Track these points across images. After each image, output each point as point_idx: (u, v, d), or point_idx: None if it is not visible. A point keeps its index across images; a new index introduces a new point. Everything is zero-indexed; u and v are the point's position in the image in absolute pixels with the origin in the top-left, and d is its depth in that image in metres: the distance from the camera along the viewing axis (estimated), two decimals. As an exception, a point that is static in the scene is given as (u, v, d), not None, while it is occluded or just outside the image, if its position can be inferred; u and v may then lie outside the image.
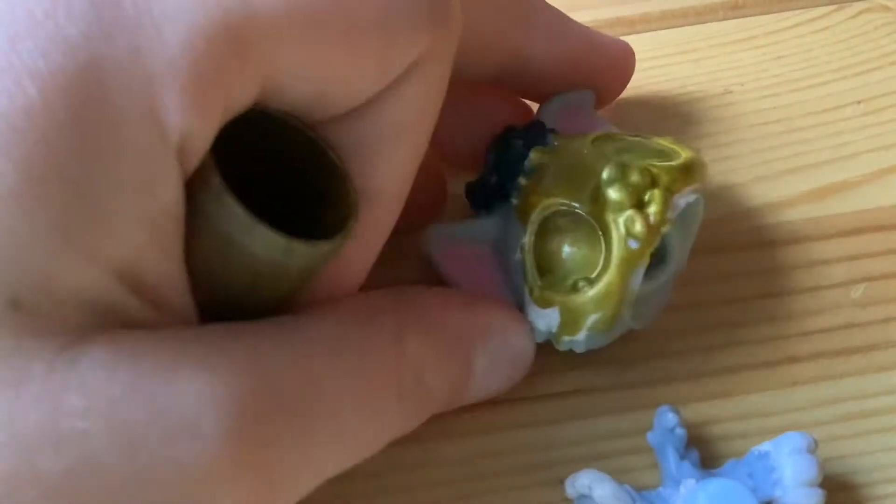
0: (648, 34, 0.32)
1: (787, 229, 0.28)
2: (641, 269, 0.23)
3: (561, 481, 0.24)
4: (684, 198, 0.24)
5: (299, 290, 0.21)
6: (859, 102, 0.30)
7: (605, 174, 0.23)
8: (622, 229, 0.23)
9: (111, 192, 0.16)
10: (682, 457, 0.23)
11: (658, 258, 0.24)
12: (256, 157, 0.20)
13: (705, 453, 0.24)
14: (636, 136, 0.26)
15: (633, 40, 0.28)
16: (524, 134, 0.26)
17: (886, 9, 0.32)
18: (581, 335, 0.24)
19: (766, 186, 0.29)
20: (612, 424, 0.25)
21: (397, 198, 0.21)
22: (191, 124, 0.17)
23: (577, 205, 0.24)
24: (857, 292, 0.27)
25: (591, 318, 0.23)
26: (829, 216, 0.28)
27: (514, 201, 0.25)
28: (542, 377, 0.26)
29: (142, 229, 0.17)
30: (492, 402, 0.25)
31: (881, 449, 0.25)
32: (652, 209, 0.23)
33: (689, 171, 0.24)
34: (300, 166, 0.21)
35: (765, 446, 0.23)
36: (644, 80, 0.30)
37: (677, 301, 0.27)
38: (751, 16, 0.32)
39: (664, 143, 0.25)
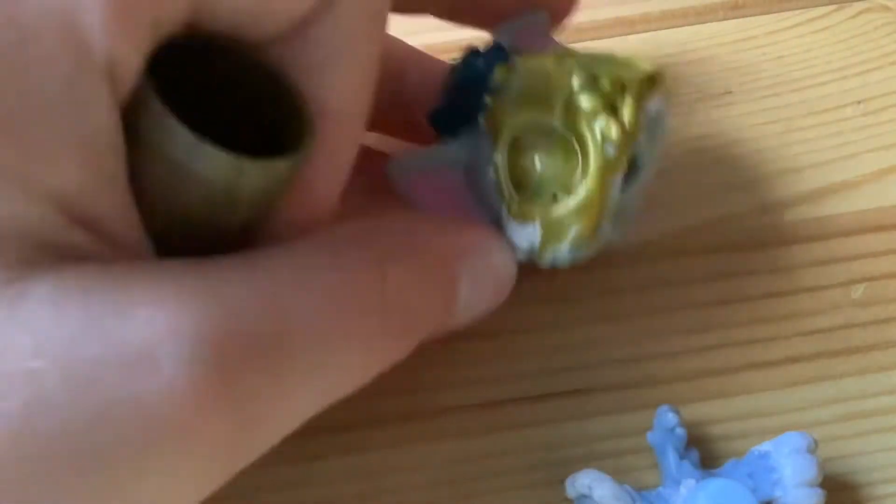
0: (648, 34, 0.32)
1: (787, 229, 0.28)
2: (619, 177, 0.23)
3: (561, 481, 0.24)
4: (653, 105, 0.24)
5: (260, 218, 0.20)
6: (859, 102, 0.30)
7: (575, 83, 0.23)
8: (598, 136, 0.23)
9: (36, 115, 0.16)
10: (682, 457, 0.23)
11: (630, 168, 0.24)
12: (205, 97, 0.19)
13: (705, 453, 0.24)
14: (595, 53, 0.26)
15: (633, 40, 0.28)
16: (485, 54, 0.25)
17: (886, 9, 0.32)
18: (564, 248, 0.23)
19: (767, 186, 0.29)
20: (612, 424, 0.25)
21: (356, 116, 0.21)
22: (116, 42, 0.16)
23: (548, 118, 0.23)
24: (857, 292, 0.27)
25: (573, 230, 0.23)
26: (829, 216, 0.28)
27: (482, 120, 0.24)
28: (542, 377, 0.26)
29: (77, 157, 0.16)
30: (492, 403, 0.25)
31: (881, 449, 0.25)
32: (626, 115, 0.23)
33: (655, 80, 0.24)
34: (252, 101, 0.20)
35: (765, 446, 0.23)
36: (644, 80, 0.30)
37: (677, 301, 0.27)
38: (751, 16, 0.32)
39: (623, 58, 0.25)
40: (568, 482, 0.23)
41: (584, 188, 0.23)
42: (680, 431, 0.24)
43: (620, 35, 0.32)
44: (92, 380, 0.16)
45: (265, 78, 0.20)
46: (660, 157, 0.25)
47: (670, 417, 0.24)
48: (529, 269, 0.27)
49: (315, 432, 0.25)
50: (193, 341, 0.17)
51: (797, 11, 0.32)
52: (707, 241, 0.28)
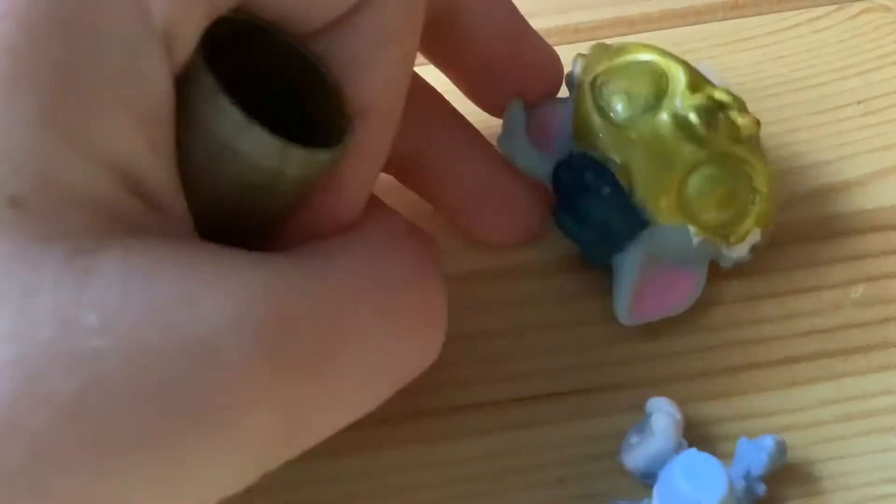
0: (648, 34, 0.32)
1: (787, 229, 0.28)
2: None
3: (561, 481, 0.24)
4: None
5: (293, 207, 0.20)
6: (859, 102, 0.30)
7: (693, 119, 0.24)
8: (739, 133, 0.25)
9: (99, 80, 0.16)
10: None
11: None
12: (247, 84, 0.19)
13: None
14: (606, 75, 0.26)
15: (633, 40, 0.28)
16: (574, 166, 0.25)
17: (886, 9, 0.32)
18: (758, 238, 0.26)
19: (766, 186, 0.29)
20: (612, 424, 0.25)
21: (389, 113, 0.21)
22: (175, 12, 0.16)
23: (695, 158, 0.24)
24: (857, 292, 0.27)
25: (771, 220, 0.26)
26: (830, 216, 0.28)
27: (649, 214, 0.25)
28: (542, 377, 0.26)
29: (134, 124, 0.16)
30: (492, 403, 0.25)
31: (881, 449, 0.25)
32: (731, 102, 0.25)
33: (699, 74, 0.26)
34: (292, 90, 0.20)
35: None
36: (644, 80, 0.30)
37: (677, 301, 0.27)
38: (751, 16, 0.32)
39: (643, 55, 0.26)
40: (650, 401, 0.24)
41: (762, 176, 0.25)
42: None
43: (620, 35, 0.32)
44: (153, 365, 0.16)
45: (306, 70, 0.20)
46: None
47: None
48: (528, 271, 0.27)
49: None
50: (254, 336, 0.17)
51: (797, 11, 0.32)
52: (707, 241, 0.28)
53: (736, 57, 0.31)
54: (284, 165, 0.18)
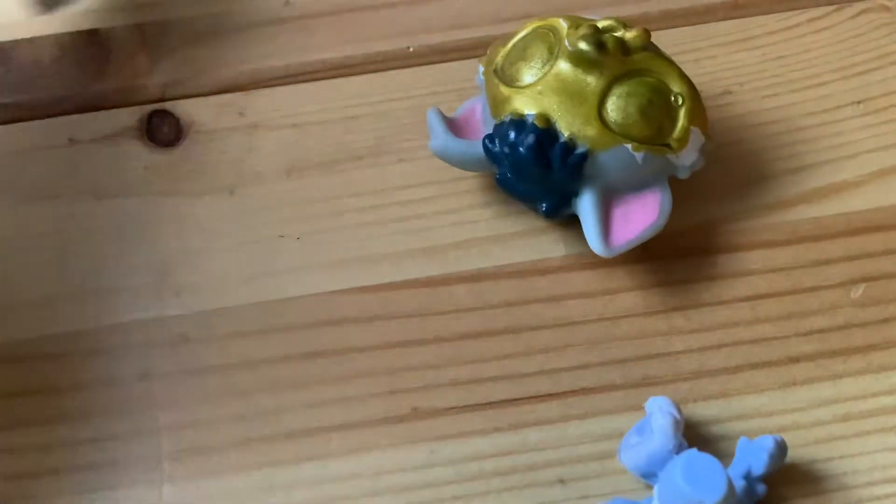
0: (648, 34, 0.32)
1: (787, 229, 0.28)
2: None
3: (561, 481, 0.24)
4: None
5: None
6: (859, 102, 0.30)
7: (584, 48, 0.26)
8: (632, 49, 0.26)
9: None
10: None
11: None
12: None
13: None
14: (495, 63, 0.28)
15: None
16: (511, 135, 0.26)
17: (886, 9, 0.32)
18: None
19: (766, 186, 0.29)
20: (612, 424, 0.25)
21: None
22: None
23: (600, 85, 0.26)
24: (857, 292, 0.27)
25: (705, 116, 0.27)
26: (829, 216, 0.28)
27: (585, 145, 0.26)
28: (542, 377, 0.26)
29: None
30: (492, 403, 0.25)
31: (881, 449, 0.25)
32: (612, 25, 0.27)
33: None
34: None
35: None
36: (644, 80, 0.30)
37: (678, 301, 0.27)
38: (751, 16, 0.32)
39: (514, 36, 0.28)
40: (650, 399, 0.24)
41: (675, 77, 0.27)
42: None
43: (620, 35, 0.32)
44: None
45: None
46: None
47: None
48: (527, 270, 0.27)
49: (315, 432, 0.25)
50: None
51: (797, 11, 0.32)
52: (707, 241, 0.28)
53: (736, 57, 0.31)
54: None
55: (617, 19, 0.27)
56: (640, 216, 0.26)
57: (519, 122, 0.26)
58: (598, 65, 0.26)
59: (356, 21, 0.32)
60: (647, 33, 0.26)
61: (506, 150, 0.26)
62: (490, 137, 0.26)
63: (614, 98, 0.26)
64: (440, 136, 0.27)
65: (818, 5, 0.32)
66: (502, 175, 0.26)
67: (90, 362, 0.26)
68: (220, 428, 0.25)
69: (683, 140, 0.26)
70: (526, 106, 0.26)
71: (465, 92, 0.30)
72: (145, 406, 0.25)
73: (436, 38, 0.32)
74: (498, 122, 0.26)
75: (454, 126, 0.28)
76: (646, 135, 0.26)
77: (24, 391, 0.25)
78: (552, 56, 0.26)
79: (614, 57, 0.26)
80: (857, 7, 0.32)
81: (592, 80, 0.26)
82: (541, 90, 0.26)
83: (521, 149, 0.26)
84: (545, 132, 0.26)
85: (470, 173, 0.28)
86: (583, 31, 0.26)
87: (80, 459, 0.25)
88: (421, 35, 0.32)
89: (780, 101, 0.30)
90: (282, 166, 0.29)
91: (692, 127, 0.26)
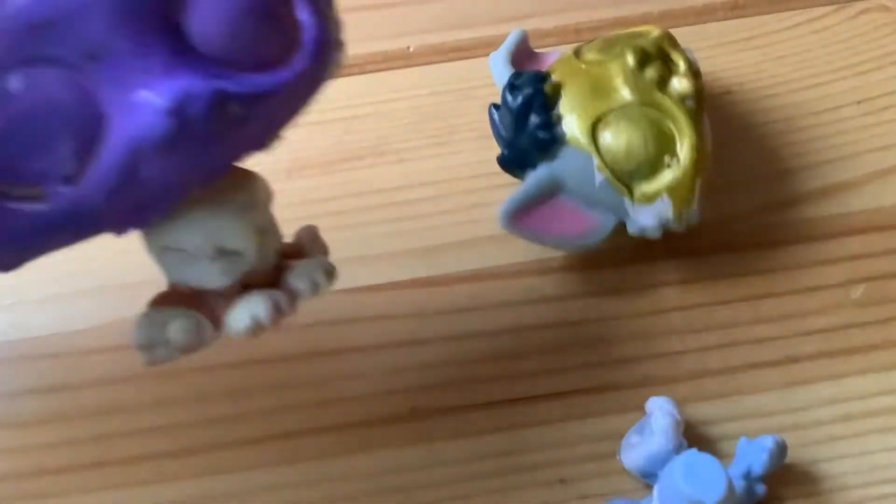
0: (648, 34, 0.32)
1: (787, 229, 0.28)
2: (706, 120, 0.26)
3: (561, 481, 0.24)
4: (687, 51, 0.28)
5: None
6: (859, 102, 0.30)
7: (630, 61, 0.26)
8: (676, 95, 0.26)
9: None
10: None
11: None
12: None
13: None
14: (605, 38, 0.28)
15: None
16: (520, 81, 0.27)
17: (886, 9, 0.32)
18: (695, 203, 0.25)
19: (767, 186, 0.29)
20: (612, 424, 0.25)
21: None
22: None
23: (624, 99, 0.26)
24: (857, 292, 0.27)
25: (697, 183, 0.25)
26: (830, 216, 0.28)
27: (563, 132, 0.26)
28: (542, 377, 0.26)
29: None
30: (492, 402, 0.25)
31: (881, 449, 0.25)
32: (681, 66, 0.26)
33: (667, 33, 0.28)
34: None
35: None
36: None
37: (677, 301, 0.27)
38: (751, 16, 0.32)
39: (627, 32, 0.28)
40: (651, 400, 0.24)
41: (686, 143, 0.25)
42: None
43: (620, 35, 0.32)
44: None
45: None
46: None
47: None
48: (527, 271, 0.27)
49: (315, 432, 0.25)
50: None
51: (797, 11, 0.32)
52: (707, 241, 0.28)
53: (736, 57, 0.31)
54: None
55: (690, 64, 0.26)
56: (568, 224, 0.26)
57: (534, 78, 0.26)
58: (633, 82, 0.26)
59: (356, 21, 0.32)
60: (696, 90, 0.26)
61: (507, 92, 0.27)
62: (513, 76, 0.27)
63: (620, 115, 0.26)
64: (501, 55, 0.28)
65: (818, 5, 0.32)
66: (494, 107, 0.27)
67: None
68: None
69: (648, 199, 0.25)
70: (559, 72, 0.27)
71: (465, 92, 0.30)
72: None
73: (436, 38, 0.32)
74: (524, 71, 0.27)
75: (525, 59, 0.29)
76: (619, 166, 0.25)
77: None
78: (621, 52, 0.27)
79: (652, 89, 0.26)
80: (857, 7, 0.32)
81: (620, 92, 0.26)
82: (583, 68, 0.27)
83: (517, 96, 0.26)
84: (544, 96, 0.26)
85: (470, 174, 0.28)
86: (642, 44, 0.26)
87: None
88: (421, 35, 0.32)
89: (780, 101, 0.30)
90: (282, 166, 0.29)
91: (665, 195, 0.25)
